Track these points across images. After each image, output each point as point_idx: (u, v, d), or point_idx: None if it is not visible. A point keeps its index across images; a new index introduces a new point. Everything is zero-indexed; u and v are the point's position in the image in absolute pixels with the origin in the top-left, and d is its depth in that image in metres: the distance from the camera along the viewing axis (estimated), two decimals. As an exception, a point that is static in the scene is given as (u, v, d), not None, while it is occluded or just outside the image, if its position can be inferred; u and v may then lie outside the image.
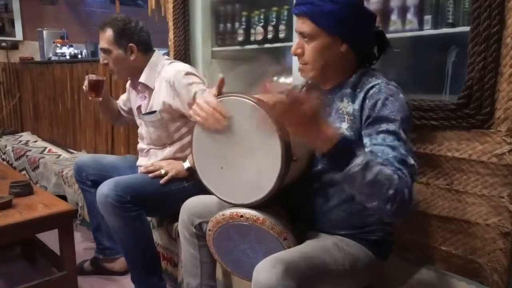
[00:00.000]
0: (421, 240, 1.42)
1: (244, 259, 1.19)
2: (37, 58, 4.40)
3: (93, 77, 1.83)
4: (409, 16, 1.46)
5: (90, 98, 1.86)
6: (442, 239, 1.37)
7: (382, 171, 0.90)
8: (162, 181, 1.67)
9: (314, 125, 0.89)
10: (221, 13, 2.23)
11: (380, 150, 0.98)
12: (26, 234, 1.86)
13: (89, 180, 1.91)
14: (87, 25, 4.86)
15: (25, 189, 1.83)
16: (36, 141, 3.90)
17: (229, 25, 2.19)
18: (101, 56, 1.81)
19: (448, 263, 1.36)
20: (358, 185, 0.90)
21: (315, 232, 1.18)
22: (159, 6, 2.32)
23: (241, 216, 1.12)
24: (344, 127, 1.09)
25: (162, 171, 1.69)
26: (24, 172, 3.27)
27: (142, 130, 1.87)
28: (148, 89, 1.79)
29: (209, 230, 1.20)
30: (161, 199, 1.68)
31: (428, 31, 1.43)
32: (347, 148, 0.90)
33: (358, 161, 0.88)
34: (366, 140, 1.03)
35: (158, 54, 1.83)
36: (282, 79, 2.10)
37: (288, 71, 1.98)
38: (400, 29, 1.49)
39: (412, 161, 0.96)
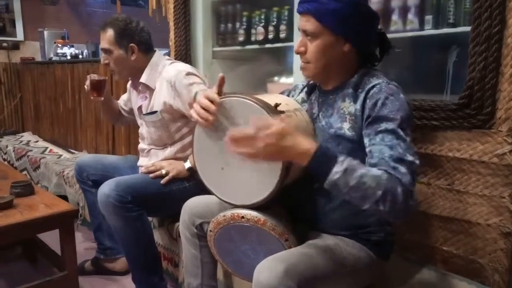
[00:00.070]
0: (422, 240, 1.42)
1: (245, 260, 1.19)
2: (38, 58, 4.41)
3: (95, 77, 1.83)
4: (410, 16, 1.46)
5: (92, 97, 1.87)
6: (443, 239, 1.37)
7: (368, 173, 0.91)
8: (163, 181, 1.68)
9: (284, 145, 0.92)
10: (222, 13, 2.23)
11: (377, 150, 0.98)
12: (27, 234, 1.86)
13: (90, 180, 1.91)
14: (88, 25, 4.87)
15: (26, 189, 1.83)
16: (37, 141, 3.90)
17: (230, 25, 2.19)
18: (102, 56, 1.81)
19: (449, 263, 1.36)
20: (344, 191, 0.92)
21: (316, 232, 1.18)
22: (160, 6, 2.32)
23: (242, 217, 1.12)
24: (345, 127, 1.09)
25: (163, 171, 1.69)
26: (25, 172, 3.27)
27: (143, 130, 1.87)
28: (149, 89, 1.79)
29: (210, 231, 1.20)
30: (162, 199, 1.68)
31: (429, 31, 1.43)
32: (325, 158, 0.93)
33: (337, 168, 0.91)
34: (366, 140, 1.03)
35: (159, 54, 1.83)
36: (283, 79, 2.10)
37: (288, 71, 1.98)
38: (401, 29, 1.49)
39: (410, 158, 0.96)
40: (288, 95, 1.33)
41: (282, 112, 1.07)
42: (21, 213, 1.62)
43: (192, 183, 1.70)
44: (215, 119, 1.10)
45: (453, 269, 1.35)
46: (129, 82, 1.96)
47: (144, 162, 1.86)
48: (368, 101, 1.05)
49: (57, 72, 3.64)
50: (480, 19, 1.19)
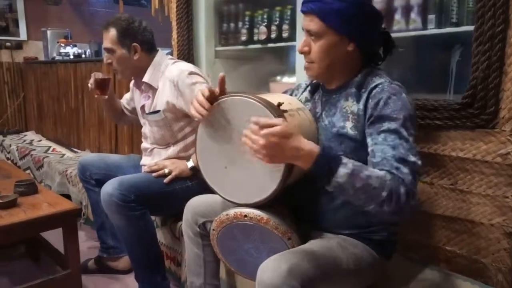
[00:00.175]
0: (425, 240, 1.41)
1: (248, 258, 1.19)
2: (41, 57, 4.42)
3: (99, 75, 1.84)
4: (413, 15, 1.46)
5: (96, 95, 1.88)
6: (446, 239, 1.37)
7: (372, 175, 0.92)
8: (166, 180, 1.68)
9: (286, 146, 0.92)
10: (225, 13, 2.24)
11: (380, 150, 0.98)
12: (30, 233, 1.87)
13: (93, 179, 1.92)
14: (91, 25, 4.88)
15: (29, 188, 1.84)
16: (40, 141, 3.92)
17: (232, 24, 2.19)
18: (105, 55, 1.81)
19: (452, 263, 1.36)
20: (350, 193, 0.92)
21: (319, 231, 1.18)
22: (163, 5, 2.32)
23: (245, 215, 1.12)
24: (348, 126, 1.09)
25: (166, 170, 1.70)
26: (28, 171, 3.28)
27: (146, 129, 1.88)
28: (152, 89, 1.79)
29: (213, 229, 1.20)
30: (165, 198, 1.68)
31: (432, 30, 1.42)
32: (329, 160, 0.93)
33: (343, 171, 0.91)
34: (368, 140, 1.03)
35: (161, 54, 1.83)
36: (286, 79, 2.10)
37: (291, 71, 1.98)
38: (403, 28, 1.49)
39: (413, 158, 0.96)
40: (291, 94, 1.33)
41: (285, 111, 1.07)
42: (24, 212, 1.63)
43: (194, 182, 1.70)
44: (209, 115, 1.10)
45: (456, 269, 1.34)
46: (132, 82, 1.96)
47: (147, 161, 1.87)
48: (370, 100, 1.05)
49: (60, 71, 3.65)
50: (484, 18, 1.19)
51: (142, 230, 1.62)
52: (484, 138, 1.24)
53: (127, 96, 2.08)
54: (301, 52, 1.14)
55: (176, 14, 2.23)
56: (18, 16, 4.45)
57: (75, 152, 3.40)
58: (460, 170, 1.31)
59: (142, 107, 1.85)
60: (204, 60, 2.25)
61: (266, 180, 1.07)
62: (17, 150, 3.51)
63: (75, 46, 4.06)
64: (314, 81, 1.25)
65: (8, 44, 4.36)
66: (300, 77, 1.72)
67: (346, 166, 0.91)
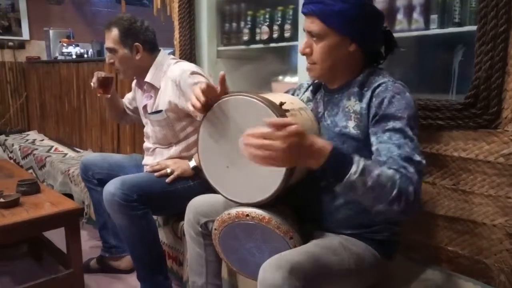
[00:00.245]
0: (427, 240, 1.41)
1: (250, 258, 1.19)
2: (44, 57, 4.43)
3: (102, 74, 1.84)
4: (415, 15, 1.46)
5: (98, 94, 1.89)
6: (448, 239, 1.37)
7: (383, 173, 0.91)
8: (168, 180, 1.68)
9: (303, 146, 0.86)
10: (227, 13, 2.24)
11: (385, 148, 0.98)
12: (33, 232, 1.88)
13: (95, 178, 1.92)
14: (93, 25, 4.88)
15: (32, 188, 1.84)
16: (42, 140, 3.92)
17: (234, 24, 2.19)
18: (107, 55, 1.82)
19: (454, 263, 1.36)
20: (361, 192, 0.90)
21: (321, 231, 1.18)
22: (165, 5, 2.32)
23: (247, 215, 1.12)
24: (350, 126, 1.09)
25: (168, 170, 1.70)
26: (31, 170, 3.29)
27: (148, 129, 1.88)
28: (154, 89, 1.79)
29: (215, 229, 1.20)
30: (167, 198, 1.68)
31: (434, 30, 1.42)
32: (341, 158, 0.90)
33: (354, 168, 0.88)
34: (373, 139, 1.03)
35: (163, 54, 1.83)
36: (288, 79, 2.10)
37: (293, 71, 1.98)
38: (406, 28, 1.48)
39: (418, 158, 0.96)
40: (293, 94, 1.33)
41: (287, 110, 1.07)
42: (27, 211, 1.63)
43: (196, 182, 1.70)
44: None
45: (459, 270, 1.34)
46: (134, 81, 1.97)
47: (149, 161, 1.87)
48: (374, 99, 1.05)
49: (63, 71, 3.66)
50: (486, 18, 1.19)
51: (144, 230, 1.62)
52: (487, 138, 1.24)
53: (129, 95, 2.09)
54: (303, 54, 1.14)
55: (178, 14, 2.24)
56: (20, 15, 4.46)
57: (77, 151, 3.40)
58: (463, 170, 1.30)
59: (144, 106, 1.85)
60: (206, 60, 2.25)
61: (268, 179, 1.07)
62: (19, 149, 3.52)
63: (78, 45, 4.06)
64: (316, 80, 1.25)
65: (10, 43, 4.37)
66: (302, 77, 1.72)
67: (358, 164, 0.89)
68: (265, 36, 2.00)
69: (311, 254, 1.04)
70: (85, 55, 4.00)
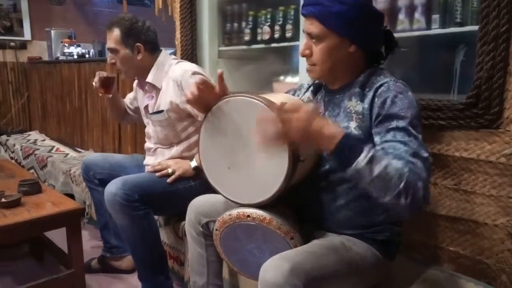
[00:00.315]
0: (429, 240, 1.41)
1: (251, 258, 1.19)
2: (45, 57, 4.44)
3: (103, 73, 1.85)
4: (417, 15, 1.46)
5: (100, 94, 1.89)
6: (450, 240, 1.36)
7: (391, 164, 0.90)
8: (169, 180, 1.68)
9: (314, 127, 0.91)
10: (228, 13, 2.24)
11: (391, 146, 0.97)
12: (34, 232, 1.88)
13: (96, 178, 1.92)
14: (95, 25, 4.89)
15: (33, 188, 1.84)
16: (44, 140, 3.93)
17: (236, 24, 2.19)
18: (109, 56, 1.82)
19: (455, 263, 1.36)
20: (367, 180, 0.91)
21: (322, 231, 1.18)
22: (166, 5, 2.33)
23: (248, 216, 1.12)
24: (352, 126, 1.09)
25: (169, 170, 1.70)
26: (32, 170, 3.30)
27: (150, 129, 1.88)
28: (155, 89, 1.80)
29: (216, 229, 1.20)
30: (168, 198, 1.68)
31: (436, 30, 1.42)
32: (352, 144, 0.92)
33: (363, 156, 0.89)
34: (376, 138, 1.03)
35: (165, 54, 1.84)
36: (289, 79, 2.10)
37: (294, 71, 1.98)
38: (407, 28, 1.48)
39: (425, 154, 0.96)
40: (293, 94, 1.33)
41: (288, 111, 1.07)
42: (28, 211, 1.63)
43: (198, 182, 1.70)
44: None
45: (460, 270, 1.34)
46: (136, 81, 1.97)
47: (150, 161, 1.87)
48: (376, 99, 1.05)
49: (64, 71, 3.67)
50: (488, 18, 1.19)
51: (145, 230, 1.62)
52: (488, 138, 1.24)
53: (130, 95, 2.09)
54: (303, 55, 1.14)
55: (179, 14, 2.24)
56: (22, 16, 4.46)
57: (79, 151, 3.41)
58: (464, 170, 1.30)
59: (146, 107, 1.85)
60: (208, 60, 2.25)
61: (269, 180, 1.07)
62: (21, 149, 3.53)
63: (79, 46, 4.07)
64: (317, 81, 1.25)
65: (12, 44, 4.38)
66: (303, 77, 1.72)
67: (368, 152, 0.90)
68: (266, 36, 2.00)
69: (312, 254, 1.04)
70: (87, 55, 4.00)
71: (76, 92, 3.52)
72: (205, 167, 1.21)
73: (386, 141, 1.00)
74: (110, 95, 1.90)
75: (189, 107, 1.70)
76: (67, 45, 4.05)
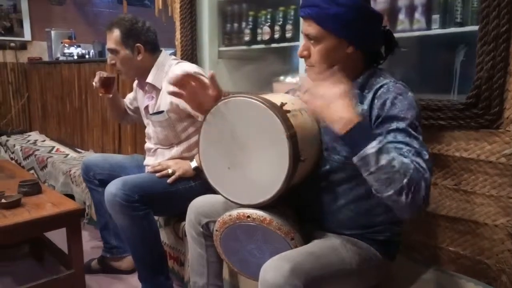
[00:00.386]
0: (429, 240, 1.41)
1: (251, 259, 1.19)
2: (45, 58, 4.44)
3: (104, 73, 1.85)
4: (417, 15, 1.46)
5: (100, 94, 1.89)
6: (450, 240, 1.36)
7: (398, 158, 0.90)
8: (169, 180, 1.68)
9: (339, 101, 0.92)
10: (228, 13, 2.24)
11: (392, 147, 0.97)
12: (34, 232, 1.88)
13: (96, 179, 1.92)
14: (95, 25, 4.89)
15: (33, 188, 1.84)
16: (44, 141, 3.93)
17: (236, 25, 2.19)
18: (109, 56, 1.82)
19: (456, 263, 1.36)
20: (372, 169, 0.90)
21: (323, 232, 1.18)
22: (166, 6, 2.32)
23: (248, 216, 1.12)
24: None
25: (169, 171, 1.70)
26: (32, 171, 3.30)
27: (150, 130, 1.88)
28: (156, 89, 1.80)
29: (216, 230, 1.20)
30: (168, 198, 1.68)
31: (436, 30, 1.42)
32: (366, 130, 0.92)
33: (374, 143, 0.89)
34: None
35: (165, 54, 1.84)
36: (289, 79, 2.10)
37: (294, 71, 1.98)
38: (407, 28, 1.48)
39: (427, 156, 0.96)
40: (293, 95, 1.33)
41: (288, 111, 1.07)
42: (28, 212, 1.63)
43: (198, 183, 1.70)
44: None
45: (460, 270, 1.34)
46: (136, 82, 1.97)
47: (150, 161, 1.87)
48: (376, 101, 1.05)
49: (64, 72, 3.67)
50: (488, 18, 1.19)
51: (145, 230, 1.62)
52: (489, 138, 1.24)
53: (130, 95, 2.09)
54: (301, 56, 1.14)
55: (179, 15, 2.24)
56: (22, 16, 4.46)
57: (79, 152, 3.41)
58: (464, 171, 1.30)
59: (146, 107, 1.85)
60: (208, 61, 2.25)
61: (270, 180, 1.07)
62: (21, 150, 3.53)
63: (79, 46, 4.07)
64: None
65: (12, 44, 4.38)
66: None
67: (379, 142, 0.90)
68: (266, 37, 2.00)
69: (312, 255, 1.04)
70: (87, 56, 4.00)
71: (76, 92, 3.52)
72: (205, 167, 1.21)
73: (387, 142, 0.99)
74: (110, 95, 1.91)
75: (189, 108, 1.70)
76: (67, 45, 4.05)
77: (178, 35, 2.28)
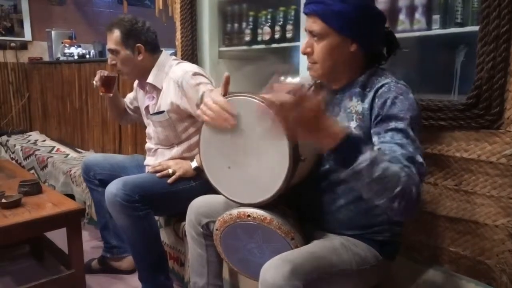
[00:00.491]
0: (429, 241, 1.41)
1: (251, 258, 1.19)
2: (46, 58, 4.44)
3: (104, 72, 1.85)
4: (417, 15, 1.46)
5: (101, 93, 1.89)
6: (450, 240, 1.36)
7: (390, 168, 0.90)
8: (169, 180, 1.68)
9: (320, 122, 0.88)
10: (228, 13, 2.24)
11: (388, 148, 0.97)
12: (34, 232, 1.88)
13: (96, 179, 1.92)
14: (95, 25, 4.89)
15: (34, 188, 1.84)
16: (44, 141, 3.93)
17: (236, 25, 2.19)
18: (109, 57, 1.82)
19: (456, 264, 1.35)
20: (366, 181, 0.89)
21: (323, 232, 1.18)
22: (167, 6, 2.33)
23: (249, 215, 1.12)
24: (352, 126, 1.09)
25: (170, 171, 1.70)
26: (32, 171, 3.30)
27: (150, 130, 1.88)
28: (156, 90, 1.80)
29: (216, 229, 1.20)
30: (168, 198, 1.68)
31: (436, 30, 1.42)
32: (353, 145, 0.89)
33: (366, 156, 0.87)
34: (374, 139, 1.03)
35: (165, 54, 1.84)
36: (289, 79, 2.10)
37: (295, 71, 1.97)
38: (408, 28, 1.48)
39: (420, 159, 0.96)
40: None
41: (289, 111, 1.07)
42: (29, 212, 1.64)
43: (198, 182, 1.70)
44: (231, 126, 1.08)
45: (461, 270, 1.34)
46: (136, 82, 1.97)
47: (151, 161, 1.87)
48: (377, 100, 1.05)
49: (65, 72, 3.67)
50: (489, 19, 1.19)
51: (146, 230, 1.62)
52: (489, 138, 1.24)
53: (130, 95, 2.09)
54: (304, 53, 1.14)
55: (180, 15, 2.24)
56: (22, 16, 4.47)
57: (79, 152, 3.41)
58: (465, 171, 1.30)
59: (147, 107, 1.85)
60: (208, 61, 2.25)
61: (270, 180, 1.07)
62: (21, 150, 3.53)
63: (79, 46, 4.07)
64: (318, 81, 1.25)
65: (13, 44, 4.39)
66: (303, 77, 1.72)
67: (369, 153, 0.88)
68: (267, 37, 2.00)
69: (312, 255, 1.04)
70: (87, 56, 4.00)
71: (76, 92, 3.52)
72: (206, 166, 1.21)
73: (383, 142, 0.99)
74: (111, 95, 1.91)
75: (189, 108, 1.71)
76: (67, 45, 4.06)
77: (178, 35, 2.28)
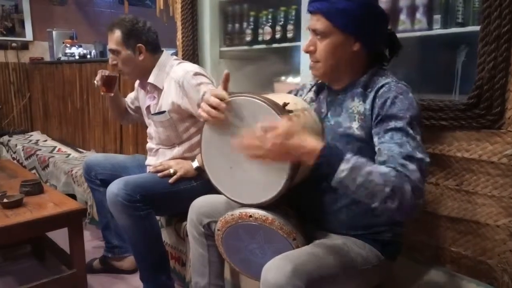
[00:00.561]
0: (430, 241, 1.41)
1: (253, 258, 1.19)
2: (47, 58, 4.45)
3: (105, 72, 1.85)
4: (418, 15, 1.46)
5: (102, 93, 1.89)
6: (452, 240, 1.36)
7: (375, 171, 0.91)
8: (171, 180, 1.68)
9: (288, 146, 0.94)
10: (229, 13, 2.24)
11: (387, 148, 0.98)
12: (36, 232, 1.88)
13: (98, 179, 1.92)
14: (96, 26, 4.89)
15: (35, 188, 1.85)
16: (45, 140, 3.94)
17: (237, 25, 2.19)
18: (110, 57, 1.82)
19: (457, 264, 1.35)
20: (352, 189, 0.92)
21: (324, 232, 1.18)
22: (167, 6, 2.33)
23: (250, 216, 1.12)
24: (354, 126, 1.09)
25: (171, 171, 1.70)
26: (34, 171, 3.30)
27: (151, 130, 1.88)
28: (157, 90, 1.80)
29: (218, 230, 1.21)
30: (170, 198, 1.68)
31: (437, 30, 1.42)
32: (331, 157, 0.93)
33: (343, 166, 0.91)
34: (375, 139, 1.03)
35: (166, 54, 1.84)
36: (290, 79, 2.10)
37: (295, 71, 1.98)
38: (409, 28, 1.48)
39: (420, 155, 0.96)
40: (296, 95, 1.33)
41: (291, 111, 1.07)
42: (30, 212, 1.64)
43: (199, 182, 1.71)
44: (223, 116, 1.10)
45: (462, 270, 1.34)
46: (137, 81, 1.97)
47: (152, 161, 1.87)
48: (377, 100, 1.05)
49: (66, 72, 3.67)
50: (490, 19, 1.19)
51: (147, 230, 1.63)
52: (490, 138, 1.24)
53: (131, 95, 2.09)
54: (307, 51, 1.14)
55: (181, 15, 2.24)
56: (24, 16, 4.47)
57: (80, 152, 3.42)
58: (466, 171, 1.30)
59: (148, 107, 1.86)
60: (209, 61, 2.25)
61: (272, 180, 1.07)
62: (23, 150, 3.53)
63: (81, 46, 4.07)
64: (320, 81, 1.25)
65: (14, 44, 4.39)
66: (304, 77, 1.72)
67: (348, 162, 0.92)
68: (267, 37, 2.00)
69: (314, 255, 1.04)
70: (88, 56, 4.01)
71: (77, 92, 3.53)
72: (207, 167, 1.21)
73: (383, 142, 1.00)
74: (112, 94, 1.91)
75: (190, 108, 1.71)
76: (68, 45, 4.06)
77: (179, 35, 2.28)
